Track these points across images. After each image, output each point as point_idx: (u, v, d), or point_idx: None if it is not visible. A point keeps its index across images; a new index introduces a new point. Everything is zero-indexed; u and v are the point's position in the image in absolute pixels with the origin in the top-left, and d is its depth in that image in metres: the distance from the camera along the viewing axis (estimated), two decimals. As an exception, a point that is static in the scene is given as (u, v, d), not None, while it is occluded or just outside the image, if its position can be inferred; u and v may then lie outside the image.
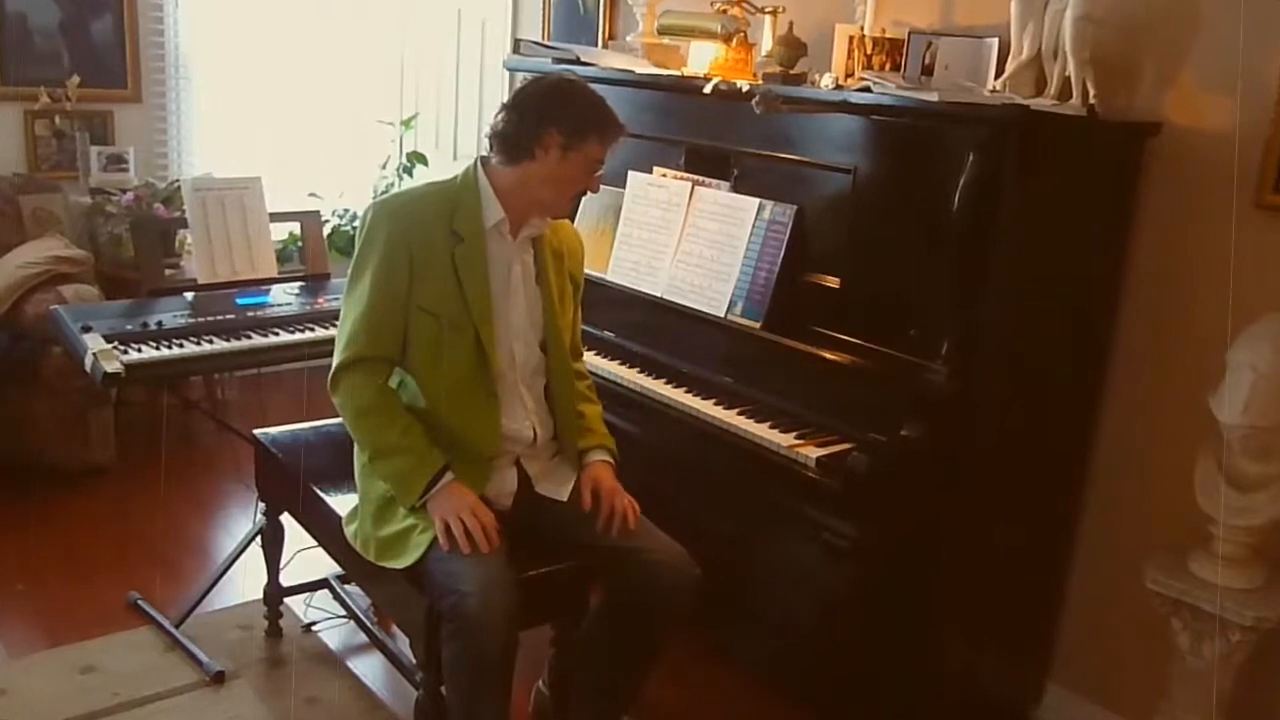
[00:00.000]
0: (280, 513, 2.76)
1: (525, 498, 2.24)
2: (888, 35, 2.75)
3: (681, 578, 2.14)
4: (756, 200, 2.67)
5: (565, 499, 2.23)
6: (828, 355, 2.43)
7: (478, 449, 2.16)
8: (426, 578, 2.05)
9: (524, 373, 2.22)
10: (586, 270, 2.40)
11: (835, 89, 2.54)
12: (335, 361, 2.15)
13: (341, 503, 2.43)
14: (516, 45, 4.08)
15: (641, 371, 2.71)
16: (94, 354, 2.70)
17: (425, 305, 2.10)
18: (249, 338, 2.97)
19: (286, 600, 2.91)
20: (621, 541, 2.16)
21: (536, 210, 2.18)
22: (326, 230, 4.17)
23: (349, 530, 2.25)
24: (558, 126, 2.07)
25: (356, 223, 4.59)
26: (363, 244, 2.13)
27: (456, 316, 2.11)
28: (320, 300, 3.21)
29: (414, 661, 2.35)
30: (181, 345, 2.86)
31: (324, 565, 2.83)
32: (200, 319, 2.97)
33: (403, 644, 2.56)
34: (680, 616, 2.17)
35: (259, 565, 2.84)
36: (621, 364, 2.76)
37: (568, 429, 2.29)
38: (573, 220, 2.76)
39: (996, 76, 2.52)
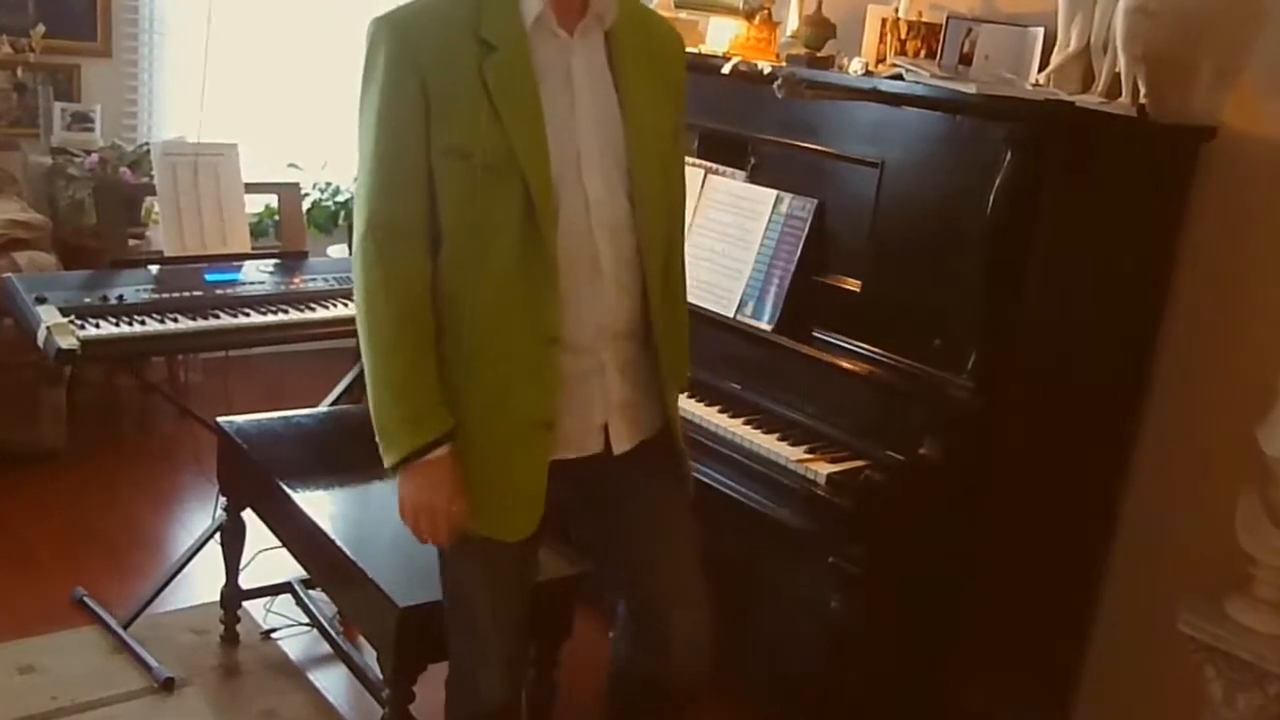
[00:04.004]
0: (242, 509, 2.76)
1: (592, 464, 1.84)
2: (924, 19, 2.75)
3: (690, 667, 1.93)
4: (774, 192, 2.68)
5: (628, 446, 1.84)
6: (843, 364, 2.43)
7: (533, 353, 1.72)
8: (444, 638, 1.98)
9: (602, 218, 1.74)
10: None
11: (865, 75, 2.54)
12: (354, 233, 1.79)
13: (311, 500, 2.43)
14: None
15: (641, 373, 2.71)
16: (48, 328, 2.70)
17: (450, 145, 1.67)
18: (217, 317, 2.97)
19: (245, 604, 2.91)
20: (644, 582, 1.93)
21: None
22: (306, 204, 4.18)
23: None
24: None
25: (339, 198, 4.65)
26: (364, 73, 1.74)
27: (495, 156, 1.66)
28: (296, 280, 3.22)
29: (380, 676, 2.35)
30: (143, 322, 2.86)
31: (287, 568, 2.84)
32: (165, 295, 2.98)
33: (369, 656, 2.56)
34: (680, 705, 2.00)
35: (217, 565, 2.84)
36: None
37: (667, 330, 1.85)
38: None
39: (1040, 69, 2.53)
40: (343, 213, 4.65)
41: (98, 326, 2.79)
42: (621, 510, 1.91)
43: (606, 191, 1.73)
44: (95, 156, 4.08)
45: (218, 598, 2.87)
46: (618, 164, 1.75)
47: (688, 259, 2.68)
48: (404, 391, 1.72)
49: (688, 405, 2.54)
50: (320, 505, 2.44)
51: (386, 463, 1.75)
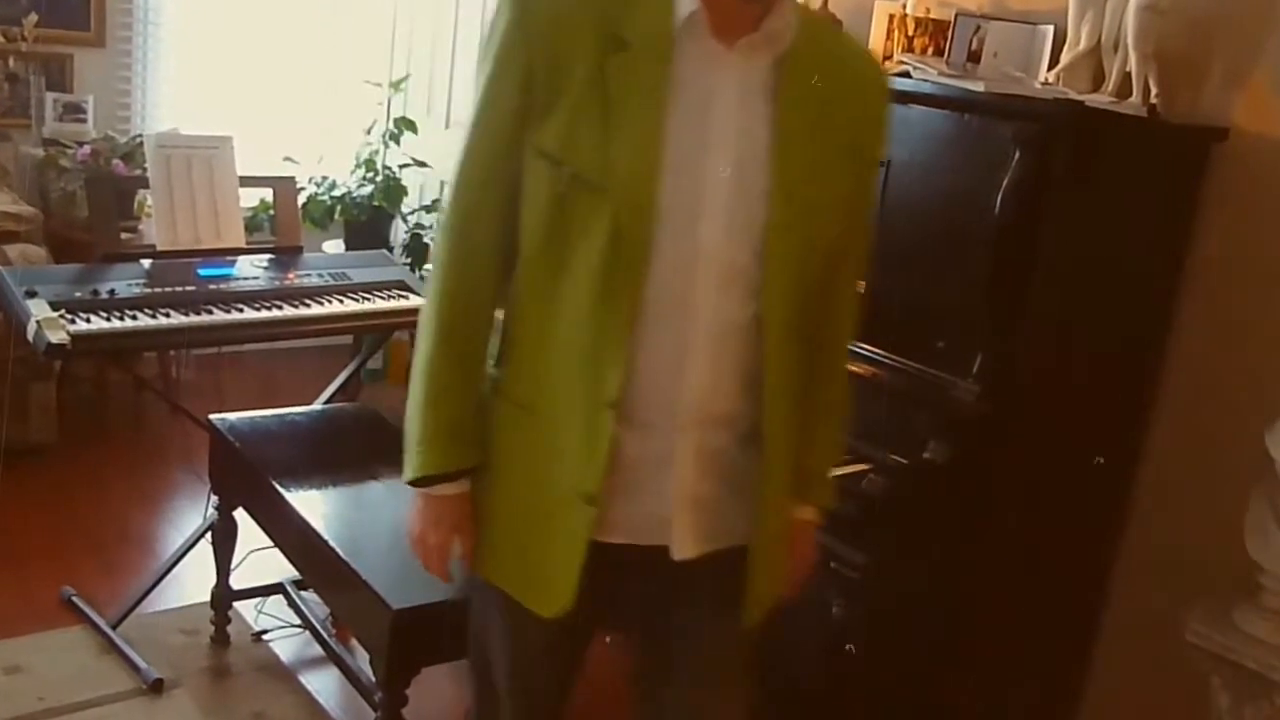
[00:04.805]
0: (234, 508, 2.77)
1: (652, 559, 1.53)
2: (932, 16, 2.75)
3: None
4: (778, 190, 2.67)
5: (693, 554, 1.53)
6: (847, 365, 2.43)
7: (585, 415, 1.45)
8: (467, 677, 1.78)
9: (713, 276, 1.43)
10: None
11: (871, 72, 2.54)
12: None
13: (303, 500, 2.43)
14: (522, 5, 4.09)
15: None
16: (38, 322, 2.70)
17: (543, 146, 1.42)
18: (210, 313, 2.97)
19: (236, 605, 2.92)
20: None
21: None
22: (301, 199, 4.17)
23: None
24: None
25: (335, 192, 4.65)
26: (484, 43, 1.49)
27: (590, 168, 1.39)
28: (291, 276, 3.22)
29: (373, 679, 2.35)
30: (135, 317, 2.86)
31: (279, 568, 2.84)
32: (157, 289, 2.97)
33: (362, 659, 2.56)
34: None
35: (207, 564, 2.84)
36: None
37: (791, 425, 1.55)
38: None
39: (1050, 68, 2.53)
40: (339, 207, 4.65)
41: (88, 321, 2.78)
42: (667, 639, 1.62)
43: (727, 244, 1.42)
44: (87, 148, 4.08)
45: (208, 598, 2.87)
46: (751, 216, 1.42)
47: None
48: (431, 409, 1.53)
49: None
50: (313, 505, 2.44)
51: (405, 477, 1.58)
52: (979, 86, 2.27)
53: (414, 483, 1.57)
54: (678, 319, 1.43)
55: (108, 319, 2.82)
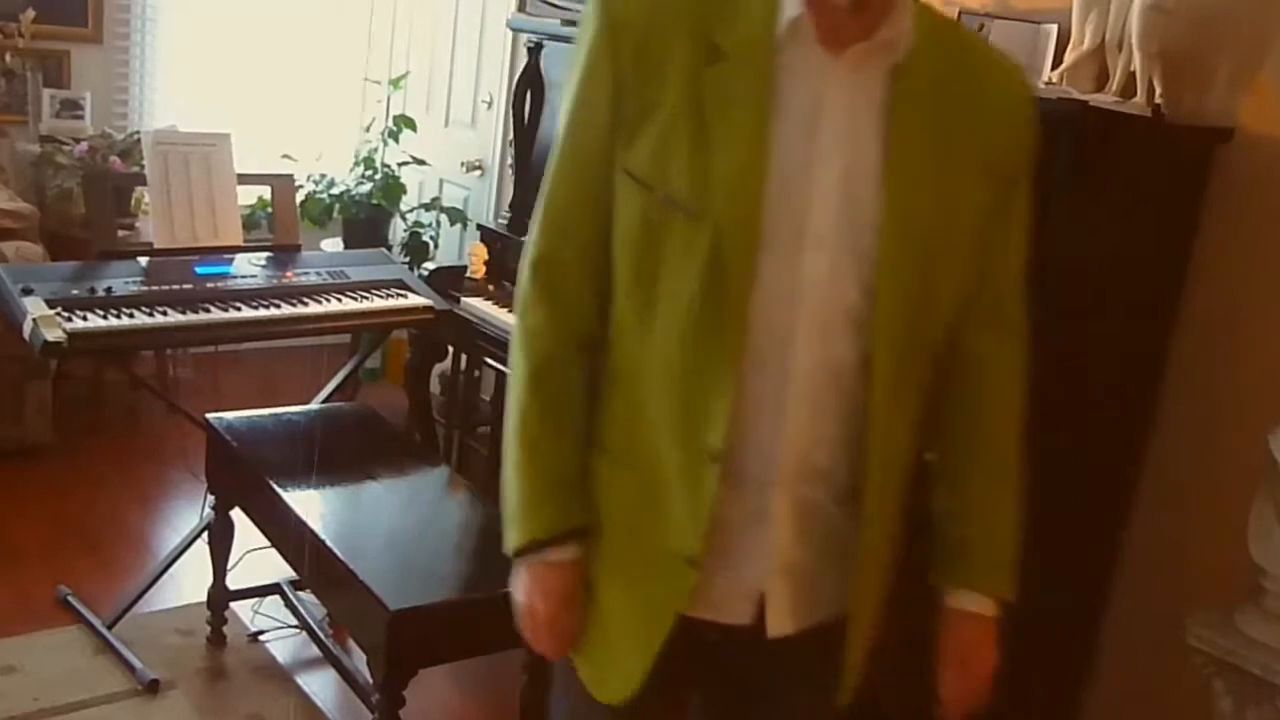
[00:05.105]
0: (231, 507, 2.77)
1: (738, 640, 1.40)
2: (935, 14, 2.75)
3: None
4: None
5: (791, 630, 1.40)
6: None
7: (686, 468, 1.31)
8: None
9: (815, 309, 1.28)
10: None
11: (873, 71, 2.54)
12: (523, 256, 1.44)
13: (301, 499, 2.43)
14: (523, 3, 4.09)
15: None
16: (34, 320, 2.70)
17: (632, 167, 1.30)
18: (207, 311, 2.97)
19: (232, 605, 2.92)
20: None
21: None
22: (300, 197, 4.17)
23: None
24: None
25: (333, 190, 4.65)
26: (576, 49, 1.37)
27: (686, 191, 1.26)
28: (289, 274, 3.22)
29: (370, 681, 2.35)
30: (132, 315, 2.86)
31: (276, 569, 2.84)
32: (154, 287, 2.97)
33: (359, 660, 2.56)
34: None
35: (204, 565, 2.84)
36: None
37: (898, 487, 1.44)
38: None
39: (1054, 67, 2.52)
40: (337, 205, 4.65)
41: (85, 319, 2.79)
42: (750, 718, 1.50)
43: (831, 275, 1.27)
44: (85, 145, 4.08)
45: (204, 598, 2.87)
46: (859, 245, 1.27)
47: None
48: (527, 459, 1.39)
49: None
50: (310, 505, 2.44)
51: (508, 546, 1.41)
52: (982, 86, 2.27)
53: (520, 552, 1.39)
54: (778, 358, 1.28)
55: (104, 317, 2.82)
